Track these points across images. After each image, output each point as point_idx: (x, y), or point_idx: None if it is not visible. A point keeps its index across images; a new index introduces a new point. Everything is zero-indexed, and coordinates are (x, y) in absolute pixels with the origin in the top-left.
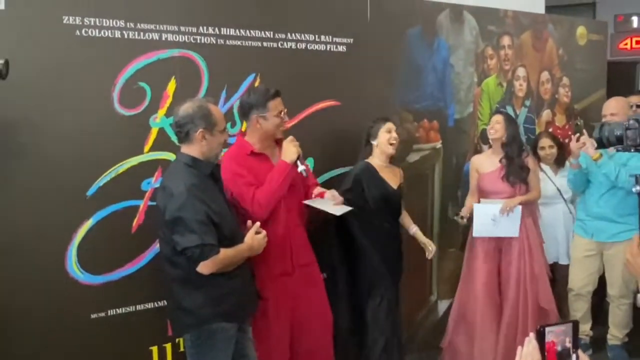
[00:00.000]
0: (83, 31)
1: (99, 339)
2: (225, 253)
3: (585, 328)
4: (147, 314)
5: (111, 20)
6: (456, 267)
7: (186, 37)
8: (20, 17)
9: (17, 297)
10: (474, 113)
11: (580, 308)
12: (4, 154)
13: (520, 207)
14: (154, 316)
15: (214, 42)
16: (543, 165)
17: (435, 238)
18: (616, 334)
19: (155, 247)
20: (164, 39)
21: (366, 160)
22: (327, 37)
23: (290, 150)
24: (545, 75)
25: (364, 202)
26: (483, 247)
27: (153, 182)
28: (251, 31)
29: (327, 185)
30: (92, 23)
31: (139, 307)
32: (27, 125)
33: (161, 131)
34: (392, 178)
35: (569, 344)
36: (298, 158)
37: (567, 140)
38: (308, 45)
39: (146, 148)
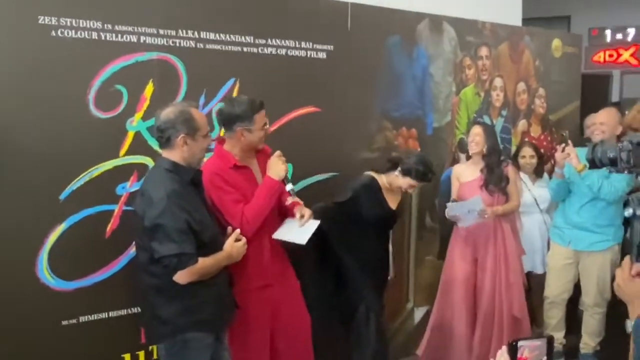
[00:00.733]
0: (59, 32)
1: (70, 346)
2: (203, 262)
3: (559, 336)
4: (120, 320)
5: (88, 21)
6: (433, 275)
7: (165, 40)
8: None
9: None
10: (452, 122)
11: (554, 316)
12: None
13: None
14: (127, 323)
15: (194, 45)
16: (522, 174)
17: (412, 246)
18: (589, 342)
19: (129, 252)
20: (142, 41)
21: (373, 175)
22: (307, 43)
23: (278, 166)
24: (521, 86)
25: (357, 217)
26: (460, 256)
27: (128, 187)
28: (231, 36)
29: (307, 191)
30: (69, 24)
31: (111, 314)
32: None
33: (138, 135)
34: (393, 199)
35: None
36: (285, 175)
37: (542, 151)
38: (288, 51)
39: (122, 152)
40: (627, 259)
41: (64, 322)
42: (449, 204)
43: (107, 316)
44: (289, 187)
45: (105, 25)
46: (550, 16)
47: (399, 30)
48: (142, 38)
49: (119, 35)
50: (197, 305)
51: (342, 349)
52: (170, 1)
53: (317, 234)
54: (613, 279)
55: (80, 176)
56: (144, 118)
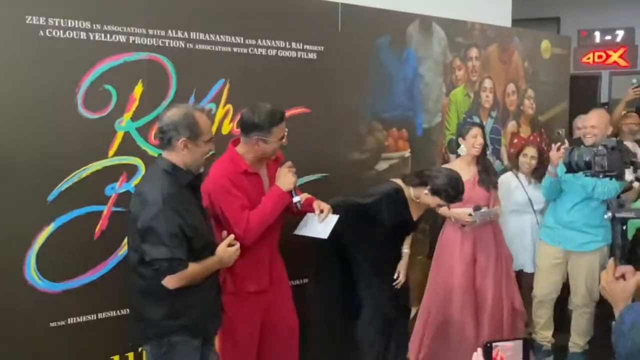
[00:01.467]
0: (47, 31)
1: (58, 347)
2: (193, 268)
3: (547, 335)
4: (108, 322)
5: (76, 21)
6: (423, 275)
7: (154, 40)
8: None
9: None
10: (442, 123)
11: (543, 315)
12: None
13: None
14: (115, 325)
15: (183, 46)
16: (519, 174)
17: None
18: (578, 341)
19: (118, 254)
20: (131, 41)
21: (400, 184)
22: (297, 44)
23: (287, 178)
24: (511, 87)
25: (376, 220)
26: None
27: (117, 188)
28: (221, 36)
29: None
30: (57, 23)
31: (100, 316)
32: None
33: (127, 135)
34: (417, 210)
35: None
36: (294, 187)
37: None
38: (279, 52)
39: (111, 152)
40: (611, 261)
41: (52, 324)
42: (473, 213)
43: (95, 318)
44: (296, 199)
45: (94, 25)
46: (540, 17)
47: (389, 31)
48: (131, 38)
49: (108, 35)
50: (184, 310)
51: (345, 346)
52: (160, 1)
53: (333, 230)
54: None
55: (69, 177)
56: (133, 118)
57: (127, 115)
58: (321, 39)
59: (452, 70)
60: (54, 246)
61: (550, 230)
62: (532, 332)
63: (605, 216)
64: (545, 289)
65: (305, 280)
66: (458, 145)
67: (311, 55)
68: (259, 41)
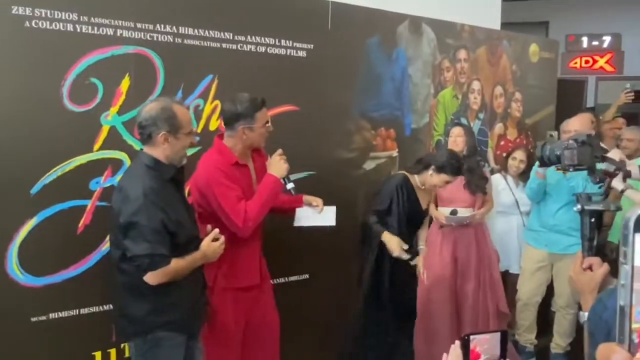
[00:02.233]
0: (33, 22)
1: (40, 342)
2: (176, 264)
3: (531, 337)
4: (91, 317)
5: (63, 13)
6: None
7: (142, 34)
8: None
9: None
10: (430, 123)
11: (527, 317)
12: None
13: None
14: (98, 320)
15: (172, 40)
16: (507, 176)
17: None
18: (560, 342)
19: (102, 249)
20: (119, 34)
21: (406, 174)
22: (287, 41)
23: (280, 165)
24: (498, 89)
25: (389, 213)
26: (440, 257)
27: (102, 182)
28: (210, 31)
29: None
30: (43, 14)
31: (82, 311)
32: None
33: (113, 129)
34: (424, 197)
35: (497, 353)
36: (287, 174)
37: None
38: (268, 49)
39: (96, 146)
40: (579, 252)
41: (34, 319)
42: (447, 216)
43: (77, 313)
44: (289, 185)
45: (81, 17)
46: (529, 21)
47: (379, 30)
48: (119, 31)
49: (96, 28)
50: (168, 306)
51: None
52: None
53: None
54: None
55: (53, 170)
56: (120, 112)
57: (114, 109)
58: (311, 37)
59: (440, 71)
60: (37, 240)
61: (536, 234)
62: (516, 334)
63: (575, 208)
64: (530, 291)
65: (305, 276)
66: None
67: (301, 53)
68: (249, 37)
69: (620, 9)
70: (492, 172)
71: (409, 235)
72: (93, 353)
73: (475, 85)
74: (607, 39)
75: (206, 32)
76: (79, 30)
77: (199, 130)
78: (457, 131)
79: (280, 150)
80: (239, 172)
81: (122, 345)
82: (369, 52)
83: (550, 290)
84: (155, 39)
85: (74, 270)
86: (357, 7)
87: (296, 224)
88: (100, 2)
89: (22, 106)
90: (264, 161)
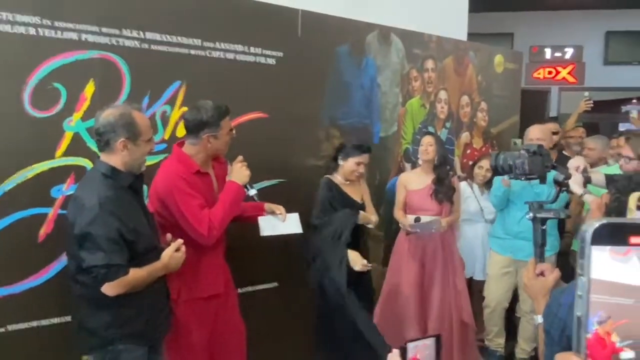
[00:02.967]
0: None
1: None
2: (134, 274)
3: (500, 341)
4: (52, 329)
5: (26, 16)
6: (376, 281)
7: (108, 38)
8: None
9: None
10: (399, 132)
11: (496, 323)
12: None
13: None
14: (59, 332)
15: (138, 45)
16: (473, 184)
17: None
18: (525, 347)
19: (63, 259)
20: (83, 39)
21: (328, 176)
22: (256, 49)
23: (241, 172)
24: (465, 99)
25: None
26: (407, 259)
27: (64, 189)
28: (178, 37)
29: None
30: (4, 17)
31: (43, 322)
32: None
33: (76, 136)
34: (355, 192)
35: (433, 358)
36: (248, 181)
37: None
38: (237, 56)
39: (58, 153)
40: (532, 259)
41: None
42: (412, 224)
43: (38, 325)
44: (252, 192)
45: (44, 20)
46: (494, 32)
47: (349, 39)
48: (84, 36)
49: (59, 32)
50: (129, 317)
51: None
52: None
53: None
54: None
55: (13, 177)
56: (84, 118)
57: (77, 115)
58: (280, 44)
59: (408, 80)
60: None
61: (501, 241)
62: (486, 340)
63: (527, 216)
64: (497, 298)
65: (274, 284)
66: (415, 154)
67: (270, 61)
68: (217, 44)
69: (582, 22)
70: (459, 179)
71: (354, 229)
72: None
73: (442, 94)
74: (569, 51)
75: (174, 37)
76: (41, 34)
77: (165, 137)
78: (427, 140)
79: (240, 157)
80: (201, 181)
81: (84, 358)
82: (338, 60)
83: (515, 296)
84: (121, 44)
85: (34, 280)
86: (326, 15)
87: (262, 233)
88: (64, 5)
89: None
90: (225, 169)
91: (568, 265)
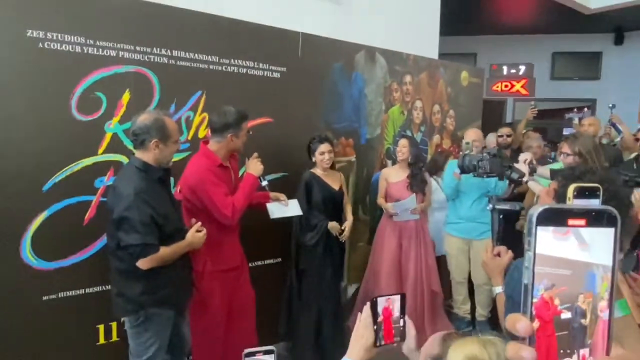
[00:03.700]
0: (46, 44)
1: (51, 318)
2: (164, 251)
3: (466, 308)
4: (94, 296)
5: (72, 36)
6: (363, 257)
7: (141, 55)
8: None
9: None
10: (382, 134)
11: (461, 292)
12: None
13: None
14: (101, 298)
15: (166, 61)
16: (439, 179)
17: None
18: (482, 312)
19: (104, 239)
20: (120, 56)
21: (311, 170)
22: (265, 65)
23: (257, 165)
24: (436, 107)
25: (309, 204)
26: (387, 239)
27: (105, 181)
28: (199, 55)
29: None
30: (55, 37)
31: (87, 290)
32: None
33: (114, 136)
34: (334, 181)
35: (397, 312)
36: (262, 174)
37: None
38: (248, 71)
39: (100, 150)
40: (489, 242)
41: (45, 298)
42: (393, 204)
43: (83, 292)
44: (264, 182)
45: (88, 40)
46: (461, 52)
47: (341, 57)
48: (121, 53)
49: (100, 50)
50: (158, 286)
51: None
52: (147, 22)
53: None
54: None
55: (62, 170)
56: (121, 122)
57: (115, 119)
58: (284, 61)
59: (390, 92)
60: (48, 230)
61: (455, 225)
62: (455, 307)
63: (488, 207)
64: (458, 272)
65: (278, 260)
66: (395, 153)
67: (275, 75)
68: (232, 60)
69: (533, 44)
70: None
71: (334, 212)
72: (97, 326)
73: (418, 103)
74: (522, 68)
75: (196, 55)
76: (85, 51)
77: (189, 138)
78: (403, 142)
79: (256, 154)
80: (223, 173)
81: (121, 319)
82: (332, 75)
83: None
84: (152, 60)
85: (80, 256)
86: (322, 37)
87: (272, 216)
88: (104, 27)
89: (36, 116)
90: (237, 163)
91: (521, 247)
